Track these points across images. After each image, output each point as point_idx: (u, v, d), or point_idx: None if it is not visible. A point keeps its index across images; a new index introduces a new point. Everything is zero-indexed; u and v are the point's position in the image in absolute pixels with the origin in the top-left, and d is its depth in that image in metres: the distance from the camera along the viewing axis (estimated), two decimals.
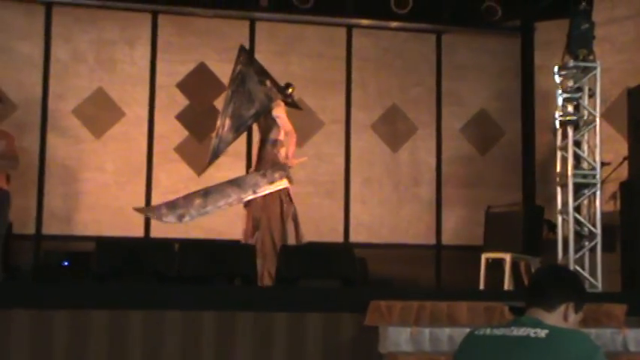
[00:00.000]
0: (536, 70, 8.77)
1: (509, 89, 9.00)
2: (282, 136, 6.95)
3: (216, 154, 7.06)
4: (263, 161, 6.93)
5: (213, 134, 7.17)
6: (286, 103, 7.15)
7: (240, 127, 7.05)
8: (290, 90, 7.18)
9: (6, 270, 6.95)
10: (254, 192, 6.78)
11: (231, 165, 7.78)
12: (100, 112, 8.39)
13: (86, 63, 8.43)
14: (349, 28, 8.86)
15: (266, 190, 6.79)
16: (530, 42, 8.79)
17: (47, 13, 8.35)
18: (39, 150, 8.21)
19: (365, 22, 8.86)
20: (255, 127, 7.47)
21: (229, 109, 7.03)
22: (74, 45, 8.41)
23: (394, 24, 8.84)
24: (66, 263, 7.62)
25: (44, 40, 8.31)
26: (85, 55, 8.44)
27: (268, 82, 7.13)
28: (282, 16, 8.66)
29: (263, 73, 7.23)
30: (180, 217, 6.68)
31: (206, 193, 6.77)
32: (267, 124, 7.02)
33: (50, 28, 8.34)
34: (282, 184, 6.83)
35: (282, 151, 6.95)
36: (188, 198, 6.77)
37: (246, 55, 7.27)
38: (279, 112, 6.99)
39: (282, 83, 7.51)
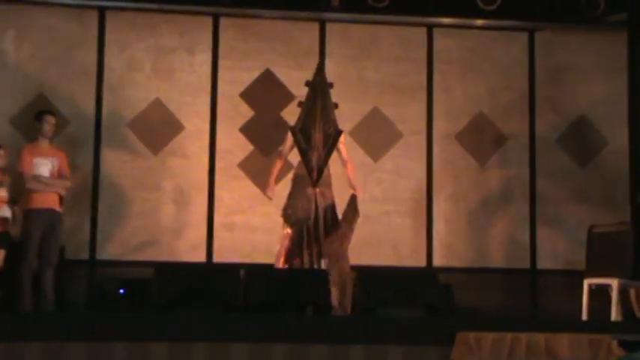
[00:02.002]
0: None
1: (613, 92, 8.81)
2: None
3: (319, 171, 7.17)
4: (322, 188, 7.14)
5: (312, 151, 7.24)
6: None
7: (326, 146, 7.22)
8: None
9: (59, 299, 7.11)
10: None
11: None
12: (157, 126, 8.44)
13: (142, 72, 8.47)
14: (430, 28, 8.82)
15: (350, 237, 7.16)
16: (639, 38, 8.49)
17: (101, 19, 8.44)
18: (92, 168, 8.29)
19: (447, 20, 8.79)
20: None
21: (320, 122, 7.20)
22: (130, 53, 8.48)
23: (480, 22, 8.77)
24: (122, 291, 7.72)
25: (97, 49, 8.42)
26: (141, 64, 8.48)
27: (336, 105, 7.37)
28: (356, 16, 8.62)
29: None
30: None
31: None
32: None
33: (104, 35, 8.42)
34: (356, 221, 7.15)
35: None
36: None
37: (323, 72, 7.49)
38: (344, 139, 7.29)
39: (351, 91, 8.01)
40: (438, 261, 8.59)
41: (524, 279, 8.64)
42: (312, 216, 7.02)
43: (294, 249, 7.04)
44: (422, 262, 8.58)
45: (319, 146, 7.13)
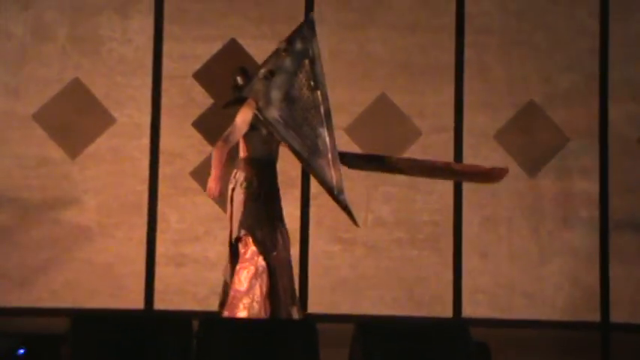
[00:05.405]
0: None
1: None
2: None
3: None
4: None
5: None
6: None
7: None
8: None
9: None
10: None
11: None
12: (76, 118, 8.27)
13: (55, 41, 8.32)
14: None
15: None
16: None
17: None
18: None
19: None
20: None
21: (326, 114, 6.69)
22: (35, 13, 8.32)
23: None
24: (22, 352, 7.08)
25: None
26: (52, 29, 8.33)
27: None
28: None
29: None
30: None
31: None
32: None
33: None
34: None
35: None
36: None
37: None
38: None
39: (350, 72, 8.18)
40: (469, 310, 8.33)
41: (592, 337, 8.31)
42: (281, 244, 6.67)
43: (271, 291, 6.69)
44: (447, 312, 8.33)
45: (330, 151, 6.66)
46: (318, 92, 6.57)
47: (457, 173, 6.98)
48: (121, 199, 8.19)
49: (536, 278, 8.35)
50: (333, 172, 6.64)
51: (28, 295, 8.00)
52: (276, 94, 6.58)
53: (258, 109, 6.57)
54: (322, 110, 6.63)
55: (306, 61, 6.66)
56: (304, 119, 6.62)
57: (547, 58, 8.54)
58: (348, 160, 6.57)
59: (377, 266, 8.23)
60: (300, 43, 6.63)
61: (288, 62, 6.57)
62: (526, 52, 8.52)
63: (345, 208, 6.64)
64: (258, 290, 6.69)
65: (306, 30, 6.72)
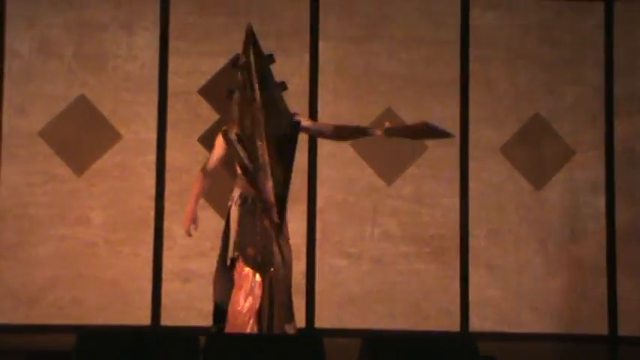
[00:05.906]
0: None
1: None
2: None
3: (282, 204, 6.49)
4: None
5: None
6: None
7: (282, 159, 6.50)
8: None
9: None
10: None
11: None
12: (82, 134, 8.23)
13: (60, 58, 8.27)
14: None
15: None
16: None
17: None
18: None
19: None
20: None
21: (261, 126, 6.49)
22: (41, 31, 8.27)
23: None
24: None
25: None
26: (58, 47, 8.28)
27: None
28: None
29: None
30: None
31: None
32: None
33: (4, 6, 8.27)
34: None
35: None
36: None
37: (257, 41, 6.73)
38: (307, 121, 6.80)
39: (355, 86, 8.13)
40: (476, 324, 8.28)
41: (600, 349, 8.29)
42: (279, 260, 6.51)
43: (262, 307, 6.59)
44: (455, 326, 8.27)
45: (271, 165, 6.47)
46: (254, 103, 6.37)
47: (432, 131, 6.52)
48: (127, 215, 8.15)
49: (543, 291, 8.31)
50: (268, 185, 6.47)
51: (34, 311, 7.95)
52: (235, 112, 6.48)
53: (224, 131, 6.49)
54: (259, 121, 6.44)
55: (246, 73, 6.47)
56: (252, 133, 6.47)
57: (552, 71, 8.52)
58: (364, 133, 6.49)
59: (384, 280, 8.20)
60: (244, 55, 6.46)
61: (239, 78, 6.40)
62: (531, 66, 8.50)
63: (275, 223, 6.43)
64: (252, 308, 6.61)
65: (245, 41, 6.56)
